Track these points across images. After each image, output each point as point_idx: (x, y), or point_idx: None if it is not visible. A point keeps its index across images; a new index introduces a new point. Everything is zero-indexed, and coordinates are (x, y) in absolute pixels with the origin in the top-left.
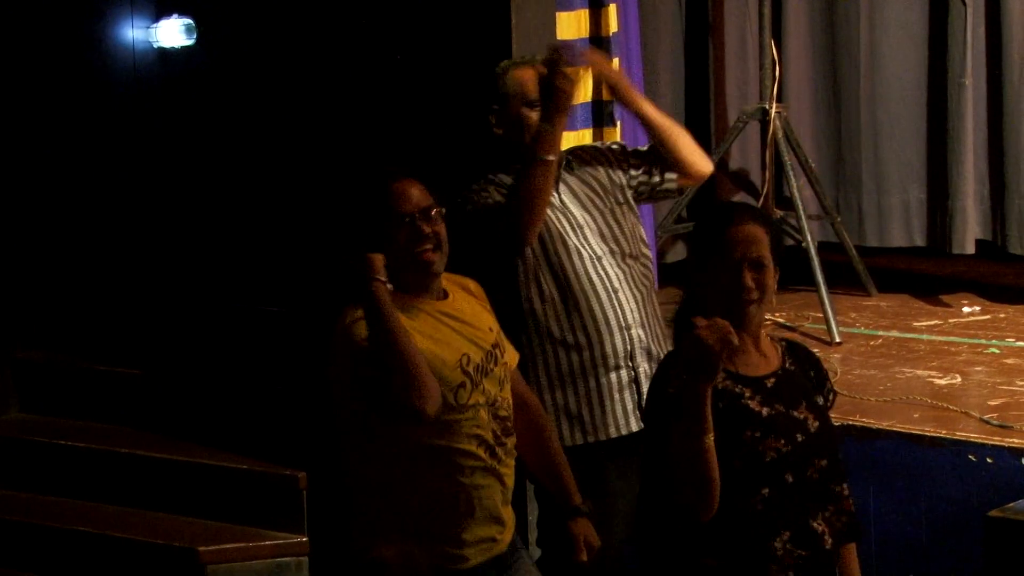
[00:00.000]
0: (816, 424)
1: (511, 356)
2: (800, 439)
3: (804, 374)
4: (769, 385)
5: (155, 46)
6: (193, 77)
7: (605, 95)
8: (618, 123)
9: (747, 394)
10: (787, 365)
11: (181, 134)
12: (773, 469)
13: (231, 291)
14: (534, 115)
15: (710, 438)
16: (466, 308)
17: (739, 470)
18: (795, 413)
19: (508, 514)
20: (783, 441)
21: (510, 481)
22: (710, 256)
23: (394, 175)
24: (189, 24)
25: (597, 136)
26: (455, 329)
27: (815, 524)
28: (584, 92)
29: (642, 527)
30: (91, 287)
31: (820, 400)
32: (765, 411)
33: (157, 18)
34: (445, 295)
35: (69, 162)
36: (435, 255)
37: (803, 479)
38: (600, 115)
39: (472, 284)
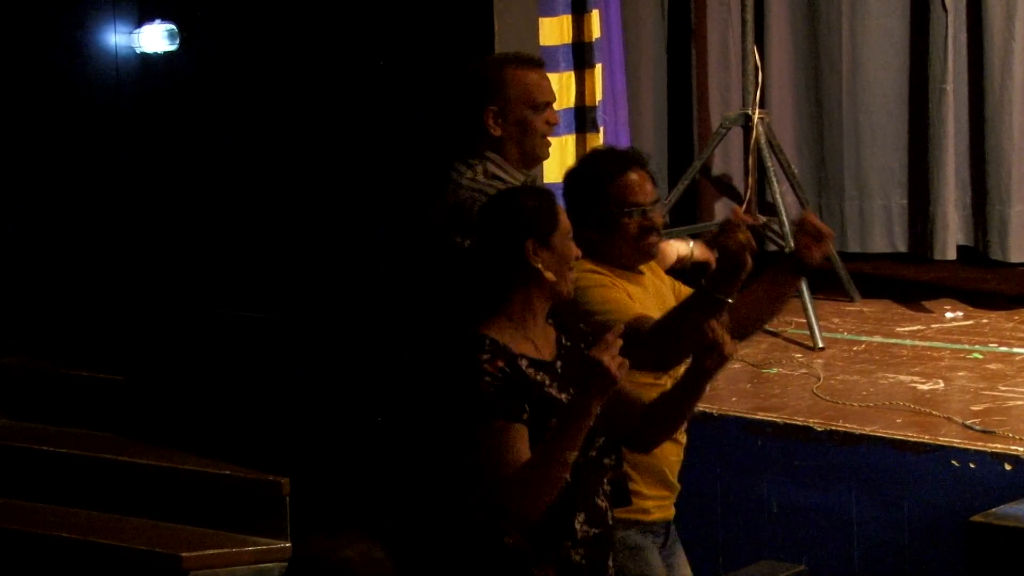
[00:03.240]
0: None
1: None
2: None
3: (578, 349)
4: (558, 368)
5: (138, 51)
6: (176, 82)
7: (585, 37)
8: (598, 65)
9: (547, 381)
10: (563, 342)
11: (163, 139)
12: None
13: (213, 296)
14: (538, 119)
15: (575, 453)
16: (656, 281)
17: (607, 492)
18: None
19: (675, 489)
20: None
21: (681, 451)
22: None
23: (626, 164)
24: (172, 29)
25: (580, 142)
26: (655, 303)
27: (599, 501)
28: (567, 97)
29: (435, 512)
30: (73, 292)
31: None
32: (564, 397)
33: (140, 23)
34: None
35: (51, 167)
36: (660, 241)
37: (588, 459)
38: (583, 121)
39: (656, 267)
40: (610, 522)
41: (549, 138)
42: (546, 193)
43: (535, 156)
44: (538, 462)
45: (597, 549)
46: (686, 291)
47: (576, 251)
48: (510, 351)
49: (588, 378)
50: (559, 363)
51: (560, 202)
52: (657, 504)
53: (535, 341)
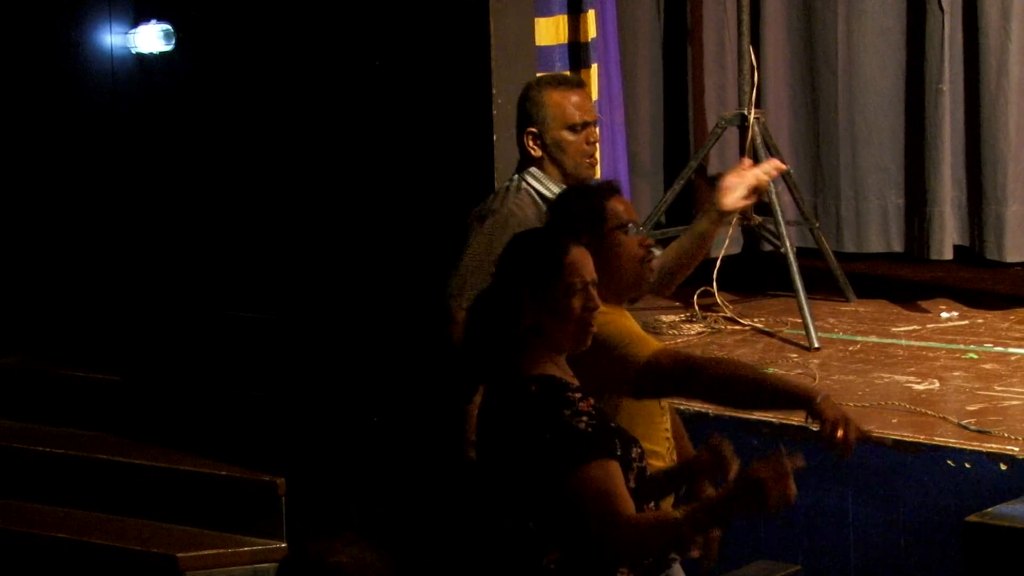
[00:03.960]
0: (642, 465)
1: None
2: (644, 453)
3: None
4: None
5: (133, 52)
6: (172, 83)
7: (581, 37)
8: (594, 65)
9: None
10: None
11: (159, 140)
12: (644, 475)
13: (210, 297)
14: (573, 138)
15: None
16: None
17: (635, 489)
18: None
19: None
20: (638, 450)
21: None
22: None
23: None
24: (168, 30)
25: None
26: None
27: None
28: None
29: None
30: (69, 293)
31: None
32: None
33: (135, 24)
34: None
35: (47, 167)
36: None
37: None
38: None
39: None
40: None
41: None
42: (562, 238)
43: (576, 175)
44: (660, 527)
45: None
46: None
47: (592, 303)
48: (576, 386)
49: (743, 493)
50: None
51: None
52: None
53: (563, 369)
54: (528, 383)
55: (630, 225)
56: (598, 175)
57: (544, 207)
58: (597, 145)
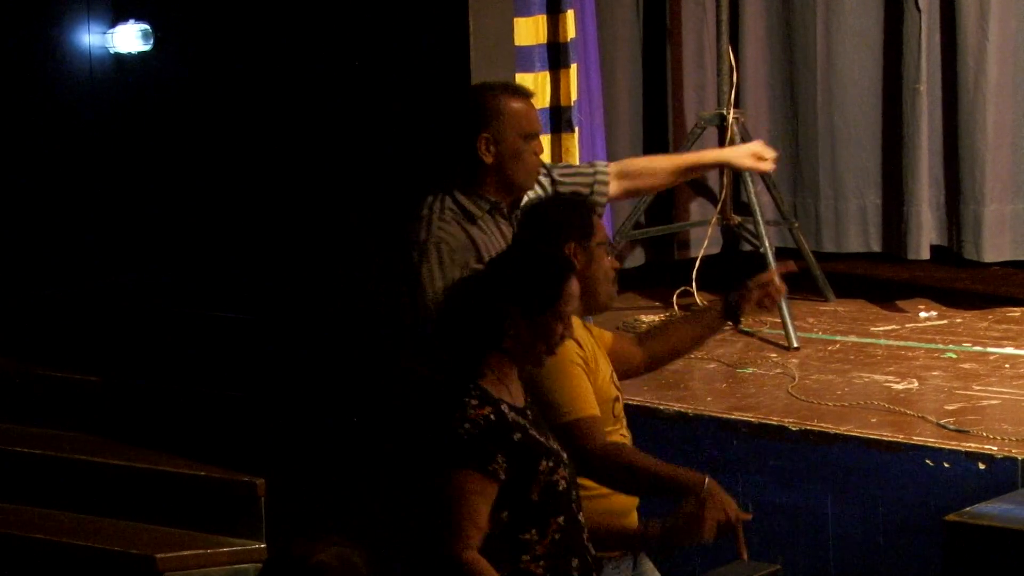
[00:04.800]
0: (564, 451)
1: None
2: (566, 459)
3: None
4: (531, 415)
5: (112, 51)
6: (150, 83)
7: (560, 37)
8: (573, 65)
9: (528, 425)
10: (526, 391)
11: (137, 139)
12: (565, 497)
13: (189, 296)
14: (528, 150)
15: None
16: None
17: (537, 502)
18: (552, 443)
19: (634, 520)
20: (566, 471)
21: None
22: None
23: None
24: (146, 29)
25: (556, 143)
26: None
27: (588, 544)
28: (542, 98)
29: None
30: (47, 292)
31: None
32: (547, 441)
33: (114, 23)
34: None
35: (24, 167)
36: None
37: (579, 504)
38: (558, 121)
39: None
40: (594, 567)
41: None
42: (550, 262)
43: (521, 185)
44: None
45: None
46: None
47: (569, 331)
48: (493, 397)
49: (679, 526)
50: (529, 411)
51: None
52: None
53: (511, 388)
54: (447, 381)
55: (609, 245)
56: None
57: (467, 226)
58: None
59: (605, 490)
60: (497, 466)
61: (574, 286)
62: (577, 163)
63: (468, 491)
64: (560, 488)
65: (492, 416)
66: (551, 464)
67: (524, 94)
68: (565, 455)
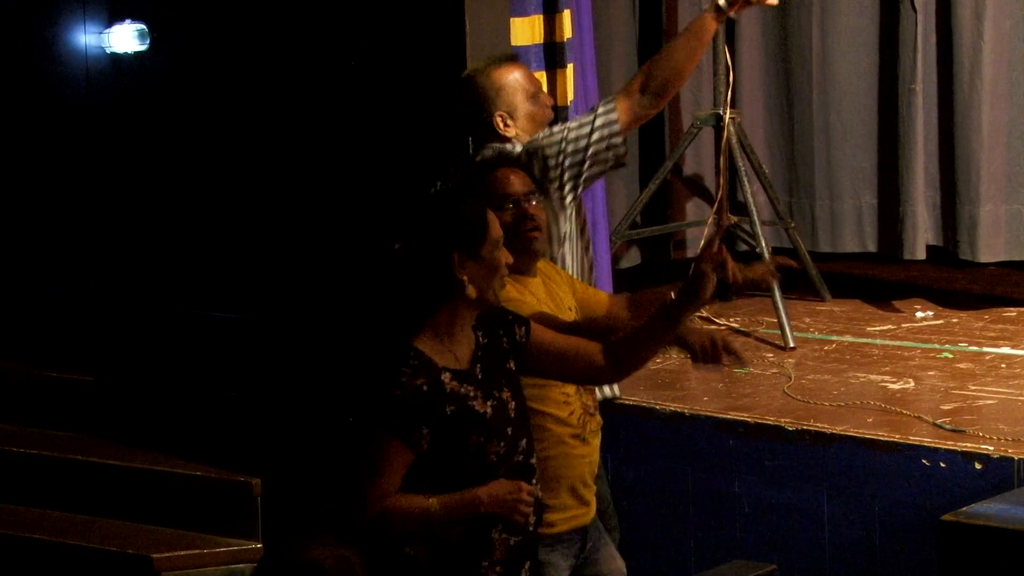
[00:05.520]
0: (514, 404)
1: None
2: (509, 432)
3: (497, 343)
4: (478, 374)
5: (108, 51)
6: (146, 83)
7: (557, 37)
8: (570, 65)
9: (471, 393)
10: (480, 339)
11: (134, 139)
12: (492, 469)
13: (185, 297)
14: (539, 106)
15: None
16: (553, 289)
17: (464, 471)
18: (501, 395)
19: (590, 493)
20: (501, 444)
21: (595, 458)
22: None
23: (492, 165)
24: (142, 29)
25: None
26: (551, 309)
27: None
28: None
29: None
30: (43, 292)
31: (512, 365)
32: (488, 411)
33: (110, 23)
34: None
35: (19, 167)
36: (539, 234)
37: (511, 468)
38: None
39: (550, 267)
40: (531, 528)
41: None
42: (476, 201)
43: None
44: (409, 511)
45: (515, 560)
46: (585, 290)
47: (507, 258)
48: (435, 366)
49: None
50: (478, 367)
51: None
52: (564, 516)
53: (456, 351)
54: (386, 349)
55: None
56: None
57: None
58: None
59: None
60: (420, 437)
61: (492, 215)
62: None
63: (386, 453)
64: (488, 461)
65: (425, 388)
66: (482, 439)
67: (509, 60)
68: (513, 411)
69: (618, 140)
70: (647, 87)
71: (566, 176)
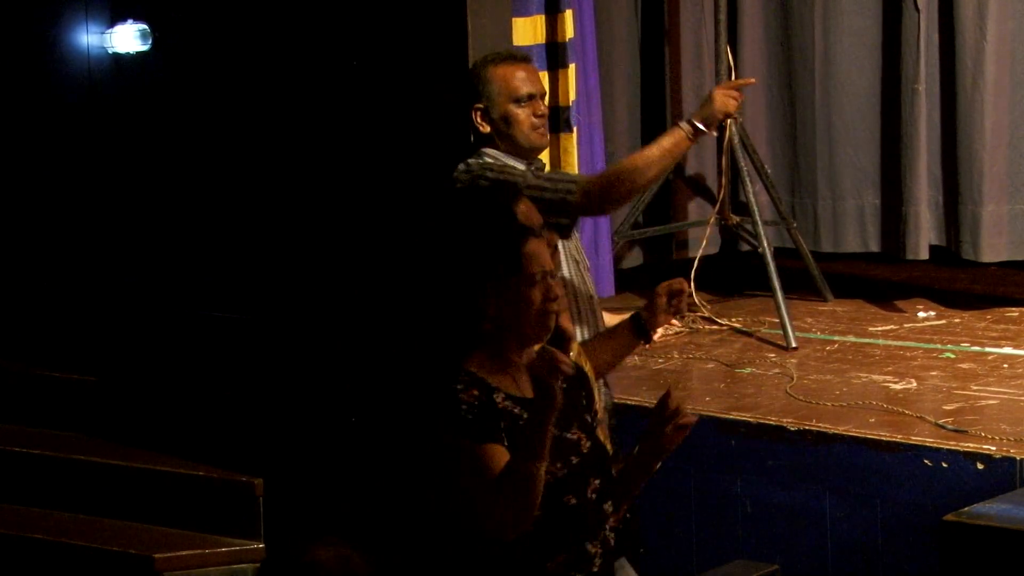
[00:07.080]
0: (588, 444)
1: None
2: (575, 461)
3: (575, 393)
4: None
5: (110, 51)
6: (148, 83)
7: (559, 37)
8: (572, 65)
9: (524, 416)
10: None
11: (136, 140)
12: (549, 492)
13: (187, 297)
14: (521, 112)
15: (544, 465)
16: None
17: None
18: (568, 435)
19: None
20: (559, 464)
21: None
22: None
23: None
24: (144, 30)
25: (554, 142)
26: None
27: (590, 546)
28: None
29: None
30: (45, 293)
31: (588, 419)
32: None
33: (112, 23)
34: None
35: (21, 167)
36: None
37: (582, 501)
38: (557, 121)
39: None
40: (594, 569)
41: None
42: (510, 230)
43: (528, 147)
44: (504, 475)
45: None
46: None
47: (553, 292)
48: (486, 383)
49: (538, 398)
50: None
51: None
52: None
53: (516, 377)
54: (437, 371)
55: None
56: (575, 168)
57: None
58: (546, 117)
59: None
60: (500, 434)
61: (533, 245)
62: (576, 162)
63: (487, 460)
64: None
65: (479, 400)
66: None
67: (513, 58)
68: (587, 449)
69: (565, 216)
70: (608, 196)
71: None
